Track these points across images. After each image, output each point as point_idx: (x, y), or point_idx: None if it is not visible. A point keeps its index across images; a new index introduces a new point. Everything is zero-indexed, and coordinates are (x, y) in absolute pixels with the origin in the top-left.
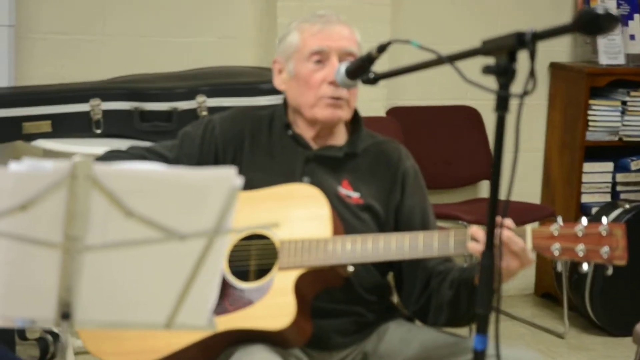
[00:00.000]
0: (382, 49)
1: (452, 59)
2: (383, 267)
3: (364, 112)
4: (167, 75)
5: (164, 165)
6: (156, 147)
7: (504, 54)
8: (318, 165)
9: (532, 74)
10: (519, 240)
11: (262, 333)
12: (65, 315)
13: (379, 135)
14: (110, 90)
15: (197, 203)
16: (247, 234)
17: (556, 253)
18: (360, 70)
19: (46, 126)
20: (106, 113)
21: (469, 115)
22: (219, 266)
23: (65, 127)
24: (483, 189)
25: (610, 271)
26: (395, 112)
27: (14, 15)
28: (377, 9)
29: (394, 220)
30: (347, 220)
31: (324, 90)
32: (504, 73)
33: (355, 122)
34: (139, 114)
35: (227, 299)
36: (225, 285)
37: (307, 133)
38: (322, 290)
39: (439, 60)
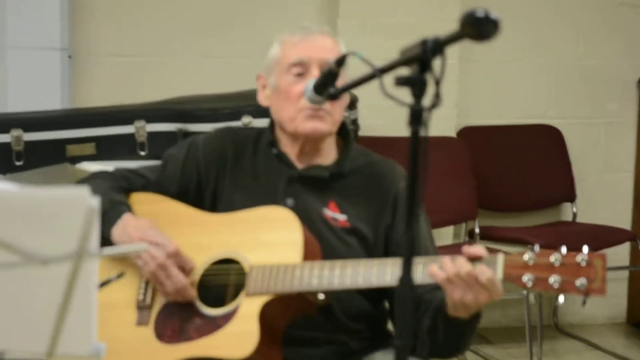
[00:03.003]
0: (339, 62)
1: (383, 71)
2: (373, 294)
3: (430, 132)
4: (215, 97)
5: (12, 185)
6: (140, 169)
7: (415, 63)
8: (303, 186)
9: (437, 84)
10: (487, 270)
11: None
12: None
13: (375, 154)
14: (155, 112)
15: (51, 225)
16: (219, 258)
17: (529, 284)
18: (325, 85)
19: (90, 148)
20: (151, 135)
21: (550, 135)
22: (92, 292)
23: (110, 149)
24: (564, 212)
25: (585, 304)
26: (467, 133)
27: (67, 38)
28: (447, 26)
29: (383, 244)
30: (332, 244)
31: (304, 103)
32: (416, 84)
33: (345, 140)
34: (182, 135)
35: (192, 325)
36: (192, 311)
37: (291, 151)
38: (296, 318)
39: (372, 74)
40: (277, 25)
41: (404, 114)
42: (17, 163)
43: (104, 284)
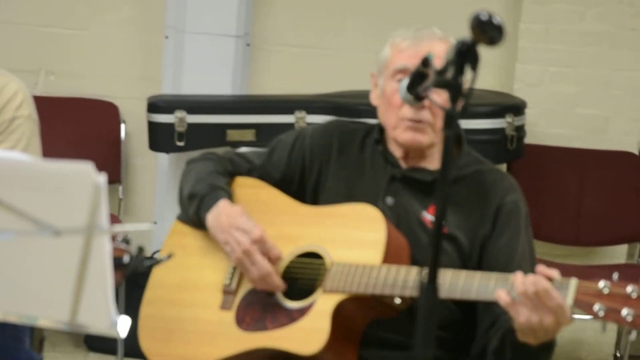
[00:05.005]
0: (425, 63)
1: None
2: (464, 302)
3: (612, 146)
4: None
5: (27, 156)
6: (248, 153)
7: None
8: (405, 186)
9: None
10: (557, 295)
11: (294, 356)
12: None
13: (489, 163)
14: (316, 103)
15: (61, 197)
16: (305, 251)
17: (600, 314)
18: (415, 85)
19: (250, 135)
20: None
21: None
22: (105, 268)
23: (270, 136)
24: None
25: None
26: None
27: (243, 26)
28: (638, 36)
29: (478, 255)
30: (425, 247)
31: (404, 112)
32: (451, 87)
33: (459, 146)
34: None
35: (270, 315)
36: (272, 301)
37: (397, 151)
38: (374, 319)
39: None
40: (450, 26)
41: (582, 123)
42: (179, 143)
43: (152, 264)
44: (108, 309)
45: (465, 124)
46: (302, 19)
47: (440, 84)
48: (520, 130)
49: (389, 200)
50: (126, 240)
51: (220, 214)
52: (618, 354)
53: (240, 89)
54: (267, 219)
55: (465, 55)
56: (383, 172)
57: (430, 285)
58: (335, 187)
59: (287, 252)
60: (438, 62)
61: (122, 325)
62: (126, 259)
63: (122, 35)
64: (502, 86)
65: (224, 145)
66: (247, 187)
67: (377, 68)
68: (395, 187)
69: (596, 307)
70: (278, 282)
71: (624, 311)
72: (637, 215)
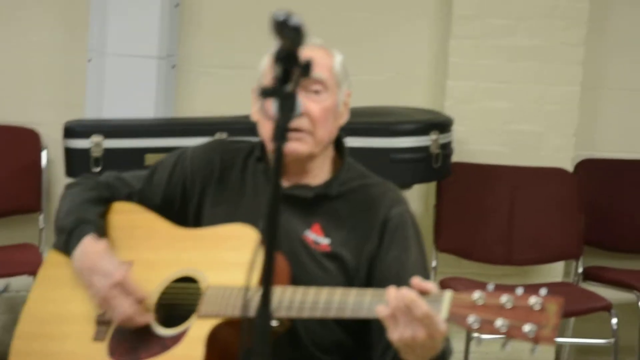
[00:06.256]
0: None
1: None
2: (352, 325)
3: (547, 162)
4: None
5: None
6: (126, 175)
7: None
8: (286, 205)
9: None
10: (422, 304)
11: None
12: None
13: (376, 176)
14: (237, 124)
15: None
16: (181, 276)
17: (474, 326)
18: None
19: None
20: None
21: None
22: None
23: None
24: None
25: (535, 352)
26: (587, 165)
27: (166, 48)
28: (570, 50)
29: (366, 273)
30: (307, 268)
31: None
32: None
33: (341, 160)
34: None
35: (143, 344)
36: (146, 330)
37: None
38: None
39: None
40: (388, 46)
41: (515, 139)
42: (95, 169)
43: None
44: None
45: (389, 142)
46: (230, 40)
47: (266, 93)
48: (446, 147)
49: None
50: None
51: (84, 253)
52: None
53: (166, 111)
54: (143, 245)
55: (287, 61)
56: (264, 192)
57: (263, 307)
58: (217, 209)
59: (164, 277)
60: (320, 70)
61: None
62: None
63: (43, 59)
64: (433, 103)
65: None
66: (124, 212)
67: (257, 81)
68: None
69: (470, 319)
70: (141, 322)
71: (498, 322)
72: (570, 232)
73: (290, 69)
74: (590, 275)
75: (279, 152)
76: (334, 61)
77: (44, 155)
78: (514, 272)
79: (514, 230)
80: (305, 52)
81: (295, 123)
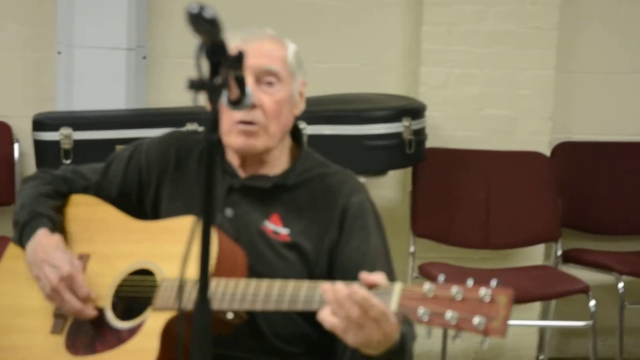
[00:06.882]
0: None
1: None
2: (313, 315)
3: (523, 147)
4: None
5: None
6: (83, 168)
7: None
8: (244, 197)
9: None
10: (377, 302)
11: None
12: None
13: (335, 165)
14: (202, 115)
15: None
16: (137, 268)
17: (424, 318)
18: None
19: None
20: None
21: None
22: None
23: None
24: None
25: (485, 345)
26: (564, 148)
27: (134, 39)
28: (544, 34)
29: (327, 263)
30: (267, 259)
31: (235, 115)
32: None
33: (298, 149)
34: None
35: (100, 337)
36: (103, 323)
37: (234, 160)
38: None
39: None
40: (360, 33)
41: (490, 125)
42: (65, 161)
43: None
44: None
45: (362, 129)
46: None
47: (194, 86)
48: (419, 133)
49: (229, 212)
50: None
51: (37, 245)
52: (541, 357)
53: (136, 102)
54: (100, 238)
55: (214, 55)
56: (221, 184)
57: (200, 299)
58: (174, 202)
59: (121, 269)
60: (272, 62)
61: None
62: None
63: (13, 53)
64: (407, 90)
65: None
66: (81, 205)
67: None
68: (233, 198)
69: (420, 311)
70: (92, 315)
71: (448, 314)
72: (548, 216)
73: (219, 62)
74: (569, 257)
75: (208, 144)
76: (287, 52)
77: (16, 148)
78: (494, 256)
79: (491, 215)
80: (256, 44)
81: (249, 116)
